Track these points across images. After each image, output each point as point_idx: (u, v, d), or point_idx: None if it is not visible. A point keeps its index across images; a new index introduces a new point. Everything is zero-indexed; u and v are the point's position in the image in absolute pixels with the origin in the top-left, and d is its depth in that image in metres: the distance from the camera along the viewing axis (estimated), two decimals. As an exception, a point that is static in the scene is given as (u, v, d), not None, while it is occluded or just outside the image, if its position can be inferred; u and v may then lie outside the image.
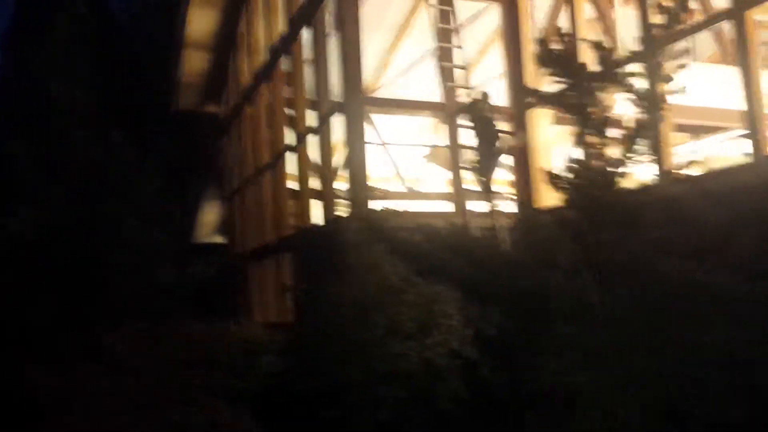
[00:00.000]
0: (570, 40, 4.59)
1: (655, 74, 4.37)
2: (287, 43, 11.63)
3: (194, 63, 16.55)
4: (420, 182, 15.45)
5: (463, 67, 9.13)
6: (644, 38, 4.46)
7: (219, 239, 22.36)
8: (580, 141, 4.67)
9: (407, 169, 15.66)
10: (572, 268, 4.77)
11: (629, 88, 4.51)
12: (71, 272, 7.33)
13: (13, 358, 6.34)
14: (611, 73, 4.52)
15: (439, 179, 14.87)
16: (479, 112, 7.84)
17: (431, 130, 15.60)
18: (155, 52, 21.59)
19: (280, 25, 12.62)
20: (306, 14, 10.59)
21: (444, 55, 9.17)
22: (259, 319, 14.91)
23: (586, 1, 8.65)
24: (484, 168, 8.36)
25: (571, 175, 4.59)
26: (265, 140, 14.09)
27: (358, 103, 8.87)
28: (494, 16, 11.98)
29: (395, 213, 7.14)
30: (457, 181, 8.71)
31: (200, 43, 15.96)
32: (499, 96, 9.86)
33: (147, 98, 18.09)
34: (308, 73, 11.23)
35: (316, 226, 10.33)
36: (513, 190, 9.45)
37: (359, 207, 8.73)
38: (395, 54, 14.06)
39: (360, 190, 8.80)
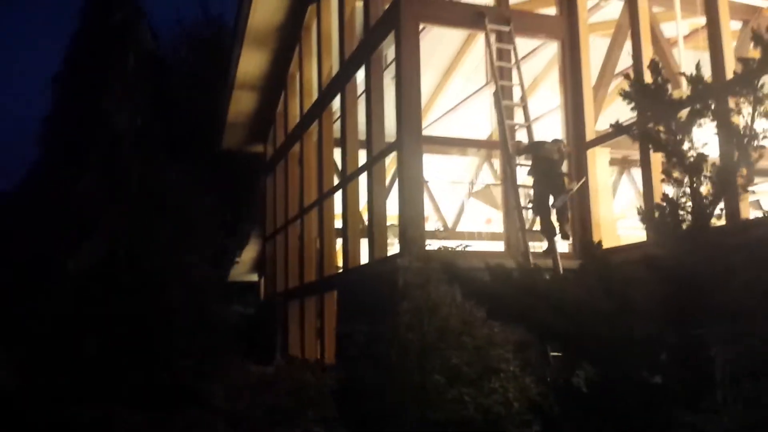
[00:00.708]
0: (662, 74, 4.38)
1: (755, 109, 4.16)
2: (340, 83, 11.67)
3: (243, 103, 16.78)
4: (459, 221, 15.26)
5: (523, 106, 8.99)
6: (742, 72, 4.25)
7: (253, 277, 22.34)
8: (670, 178, 4.45)
9: (446, 208, 15.54)
10: (666, 314, 4.49)
11: (724, 124, 4.30)
12: (132, 305, 7.27)
13: (74, 392, 6.24)
14: (707, 109, 4.31)
15: (479, 218, 14.67)
16: (546, 153, 7.67)
17: (473, 169, 15.50)
18: (203, 92, 22.05)
19: (334, 67, 12.71)
20: (362, 55, 10.63)
21: (502, 93, 9.05)
22: (296, 356, 14.70)
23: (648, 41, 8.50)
24: (545, 208, 8.17)
25: (659, 213, 4.36)
26: (312, 179, 14.09)
27: (415, 141, 8.76)
28: (544, 55, 11.93)
29: (455, 252, 6.92)
30: (516, 220, 8.48)
31: (250, 84, 16.19)
32: (550, 133, 9.68)
33: (194, 136, 18.34)
34: (360, 114, 11.23)
35: (366, 265, 10.15)
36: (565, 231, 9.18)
37: (414, 246, 8.52)
38: (442, 93, 14.08)
39: (416, 229, 8.61)
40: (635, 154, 11.71)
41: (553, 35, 9.85)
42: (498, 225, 13.32)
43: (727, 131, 4.31)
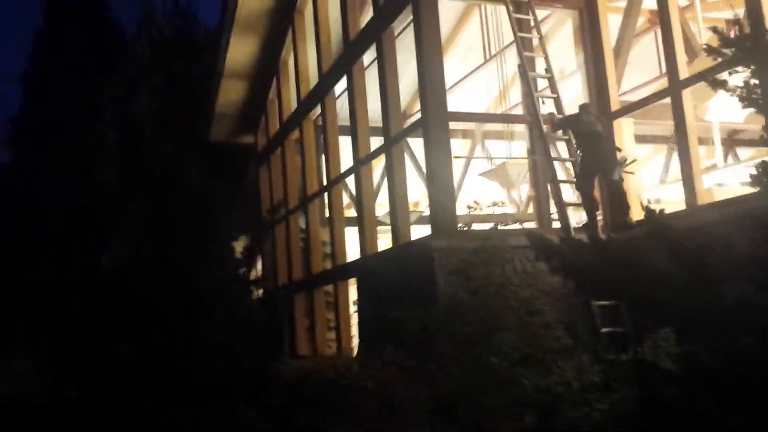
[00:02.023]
0: (760, 25, 4.15)
1: None
2: (346, 65, 11.28)
3: (232, 93, 16.23)
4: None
5: (549, 77, 8.73)
6: None
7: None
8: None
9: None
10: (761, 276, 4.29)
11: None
12: (162, 304, 6.88)
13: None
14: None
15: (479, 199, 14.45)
16: (588, 126, 7.42)
17: (467, 152, 15.23)
18: (181, 84, 21.37)
19: (335, 48, 12.31)
20: (371, 33, 10.25)
21: (528, 65, 8.77)
22: (304, 351, 14.35)
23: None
24: (588, 183, 7.94)
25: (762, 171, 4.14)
26: (314, 167, 13.70)
27: (442, 117, 8.45)
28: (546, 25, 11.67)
29: (504, 231, 6.65)
30: (552, 195, 8.24)
31: (239, 73, 15.65)
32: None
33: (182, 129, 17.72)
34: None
35: (390, 250, 9.81)
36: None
37: (447, 229, 8.26)
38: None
39: (447, 211, 8.34)
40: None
41: (570, 4, 9.60)
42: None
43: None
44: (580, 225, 8.11)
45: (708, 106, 9.12)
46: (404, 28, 10.30)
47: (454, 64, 13.59)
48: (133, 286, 6.99)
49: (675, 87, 8.13)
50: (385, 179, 10.09)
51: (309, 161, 13.69)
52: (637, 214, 8.81)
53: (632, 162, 8.13)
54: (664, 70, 11.26)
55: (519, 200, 12.27)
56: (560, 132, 8.37)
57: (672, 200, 11.41)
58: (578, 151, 7.94)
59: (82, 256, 7.40)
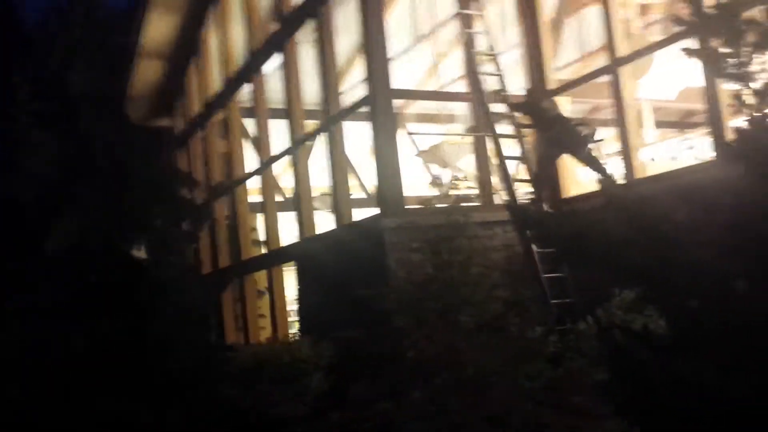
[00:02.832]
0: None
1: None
2: (278, 42, 10.89)
3: (147, 73, 15.36)
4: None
5: (491, 54, 8.76)
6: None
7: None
8: (741, 106, 4.37)
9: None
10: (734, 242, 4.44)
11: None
12: (112, 293, 6.38)
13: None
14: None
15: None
16: (548, 113, 7.47)
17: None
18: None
19: (265, 26, 11.87)
20: (308, 8, 9.92)
21: (471, 42, 8.77)
22: (233, 339, 13.93)
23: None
24: (548, 161, 8.03)
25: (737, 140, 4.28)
26: (241, 150, 13.22)
27: (387, 95, 8.30)
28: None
29: (464, 208, 6.62)
30: (497, 172, 8.28)
31: (155, 52, 14.82)
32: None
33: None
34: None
35: (333, 232, 9.59)
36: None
37: (395, 208, 8.16)
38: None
39: (395, 190, 8.23)
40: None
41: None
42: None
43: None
44: (527, 200, 8.22)
45: (639, 84, 9.44)
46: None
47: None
48: (79, 275, 6.44)
49: (614, 64, 8.34)
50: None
51: (235, 145, 13.20)
52: (573, 190, 9.06)
53: (595, 133, 8.24)
54: (586, 51, 11.64)
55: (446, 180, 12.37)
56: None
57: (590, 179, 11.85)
58: (544, 137, 7.98)
59: (21, 250, 6.75)
